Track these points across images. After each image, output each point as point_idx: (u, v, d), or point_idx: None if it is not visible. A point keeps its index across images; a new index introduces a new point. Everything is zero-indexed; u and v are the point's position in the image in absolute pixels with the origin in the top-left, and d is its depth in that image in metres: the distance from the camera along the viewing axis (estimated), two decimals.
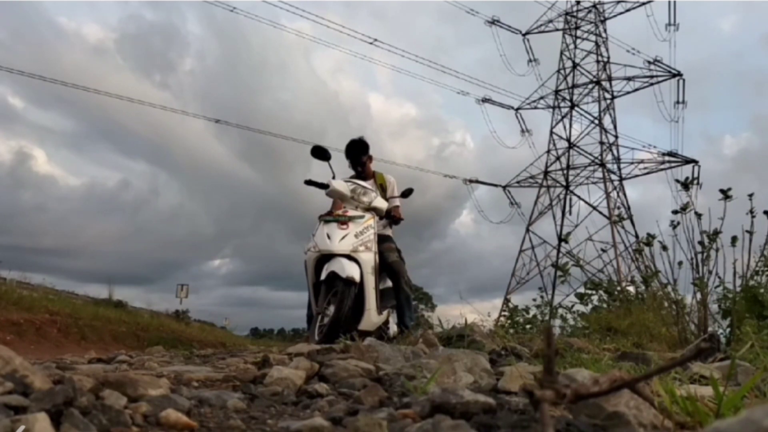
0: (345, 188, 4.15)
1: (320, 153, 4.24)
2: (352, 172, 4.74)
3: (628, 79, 31.49)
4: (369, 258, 4.00)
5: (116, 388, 1.04)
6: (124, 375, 1.14)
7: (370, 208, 4.21)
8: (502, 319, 5.69)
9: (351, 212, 4.04)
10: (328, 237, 3.90)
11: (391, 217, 4.61)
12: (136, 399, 1.02)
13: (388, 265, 4.44)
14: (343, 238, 3.89)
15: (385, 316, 4.43)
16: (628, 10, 31.88)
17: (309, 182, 4.41)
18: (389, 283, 4.58)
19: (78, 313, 11.68)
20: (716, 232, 3.33)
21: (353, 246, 3.90)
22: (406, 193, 4.69)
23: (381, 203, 4.29)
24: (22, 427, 0.71)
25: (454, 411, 0.93)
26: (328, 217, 4.04)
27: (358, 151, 4.74)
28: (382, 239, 4.48)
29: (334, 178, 4.25)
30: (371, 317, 4.04)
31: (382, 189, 4.78)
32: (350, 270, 3.80)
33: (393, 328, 4.72)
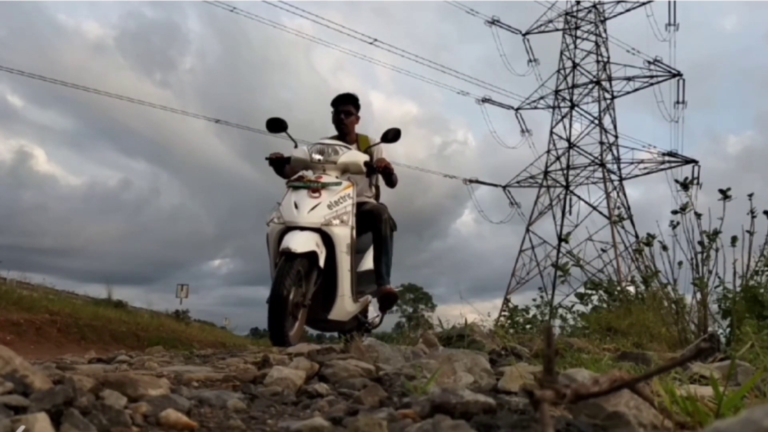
0: (305, 153, 3.52)
1: (276, 125, 3.71)
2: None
3: (628, 79, 31.51)
4: (344, 234, 3.33)
5: (116, 388, 1.04)
6: (124, 375, 1.14)
7: (345, 171, 3.55)
8: (502, 319, 5.69)
9: (326, 178, 3.40)
10: (296, 206, 3.26)
11: (375, 170, 3.75)
12: (136, 399, 1.02)
13: (366, 212, 3.73)
14: (313, 208, 3.25)
15: (363, 303, 3.84)
16: (628, 10, 31.90)
17: (271, 160, 3.83)
18: (368, 265, 3.91)
19: (78, 313, 11.69)
20: (716, 232, 3.33)
21: (325, 218, 3.27)
22: (391, 136, 3.78)
23: (354, 157, 3.57)
24: (22, 427, 0.71)
25: (454, 411, 0.93)
26: (298, 183, 3.39)
27: (343, 101, 4.08)
28: (362, 206, 3.77)
29: (296, 147, 3.67)
30: (344, 305, 3.42)
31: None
32: (309, 243, 3.13)
33: (372, 315, 4.18)
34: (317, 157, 3.49)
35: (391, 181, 3.98)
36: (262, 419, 1.03)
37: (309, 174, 3.39)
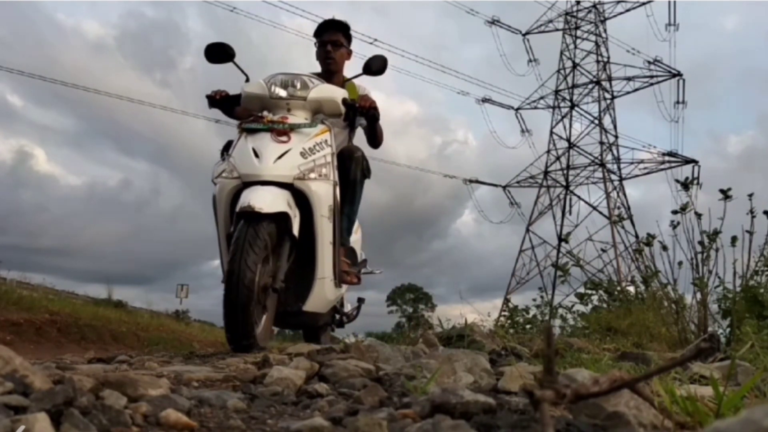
0: (262, 87, 2.61)
1: (218, 53, 2.73)
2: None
3: (628, 79, 31.52)
4: (325, 192, 2.50)
5: (116, 388, 1.04)
6: (124, 375, 1.14)
7: (317, 111, 2.68)
8: (502, 319, 5.69)
9: (293, 119, 2.54)
10: (255, 154, 2.39)
11: (357, 111, 2.86)
12: (136, 399, 1.02)
13: (342, 154, 2.92)
14: (281, 156, 2.41)
15: (344, 290, 3.07)
16: (628, 10, 31.92)
17: (212, 100, 2.87)
18: (353, 237, 3.15)
19: (78, 313, 11.68)
20: (716, 232, 3.33)
21: (300, 170, 2.42)
22: (376, 67, 2.86)
23: (330, 92, 2.69)
24: (22, 427, 0.71)
25: (454, 411, 0.93)
26: (256, 124, 2.49)
27: (329, 28, 3.20)
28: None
29: (247, 81, 2.73)
30: (325, 292, 2.60)
31: None
32: (278, 202, 2.30)
33: (349, 306, 3.58)
34: (279, 92, 2.60)
35: (375, 134, 3.15)
36: (262, 419, 1.03)
37: (269, 115, 2.53)
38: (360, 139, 3.38)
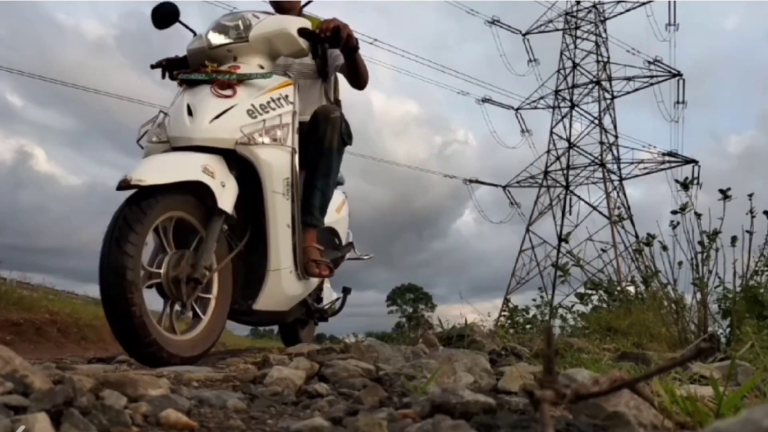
0: (201, 39, 2.14)
1: (163, 15, 2.30)
2: None
3: (628, 79, 31.51)
4: (278, 161, 2.04)
5: (116, 388, 1.04)
6: (124, 375, 1.14)
7: (271, 54, 2.19)
8: (502, 319, 5.69)
9: (244, 68, 2.08)
10: (189, 111, 1.95)
11: (320, 40, 2.30)
12: (136, 399, 1.02)
13: (316, 116, 2.39)
14: (220, 114, 1.94)
15: (315, 282, 2.52)
16: (628, 10, 31.89)
17: (161, 67, 2.47)
18: (335, 216, 2.67)
19: (78, 313, 11.67)
20: (716, 232, 3.33)
21: (243, 133, 1.96)
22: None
23: (280, 23, 2.19)
24: (22, 427, 0.71)
25: (454, 411, 0.93)
26: (196, 75, 2.05)
27: None
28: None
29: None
30: (282, 286, 2.12)
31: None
32: (188, 169, 1.82)
33: (331, 298, 2.98)
34: (217, 39, 2.11)
35: (356, 69, 2.54)
36: (262, 419, 1.03)
37: (213, 64, 2.09)
38: (347, 100, 2.81)
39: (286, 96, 2.14)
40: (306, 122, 2.40)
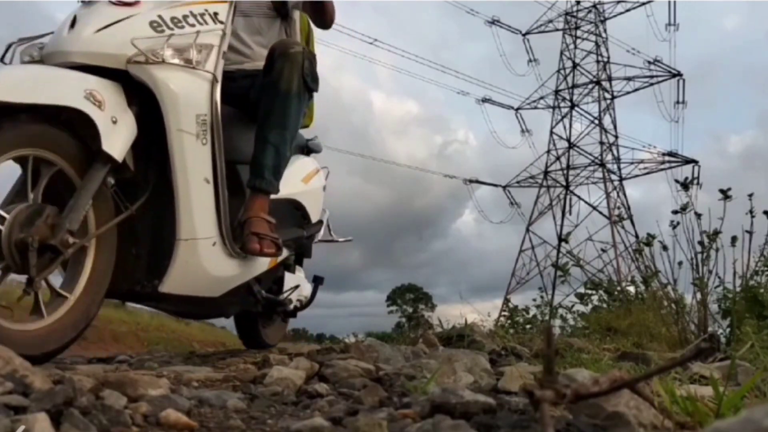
0: None
1: None
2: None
3: (628, 79, 31.58)
4: (187, 88, 1.56)
5: (116, 388, 1.04)
6: (124, 375, 1.14)
7: None
8: (502, 319, 5.69)
9: None
10: (72, 24, 1.52)
11: None
12: (136, 399, 1.02)
13: (272, 53, 1.90)
14: (113, 24, 1.50)
15: (263, 264, 1.96)
16: (628, 10, 31.94)
17: None
18: (286, 190, 2.02)
19: None
20: (716, 232, 3.33)
21: (142, 47, 1.49)
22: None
23: None
24: (22, 427, 0.71)
25: (454, 411, 0.93)
26: None
27: None
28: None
29: None
30: (200, 261, 1.62)
31: None
32: (53, 91, 1.33)
33: (306, 291, 2.45)
34: None
35: (320, 2, 2.11)
36: (262, 419, 1.03)
37: None
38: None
39: (215, 14, 1.65)
40: (260, 70, 1.97)
